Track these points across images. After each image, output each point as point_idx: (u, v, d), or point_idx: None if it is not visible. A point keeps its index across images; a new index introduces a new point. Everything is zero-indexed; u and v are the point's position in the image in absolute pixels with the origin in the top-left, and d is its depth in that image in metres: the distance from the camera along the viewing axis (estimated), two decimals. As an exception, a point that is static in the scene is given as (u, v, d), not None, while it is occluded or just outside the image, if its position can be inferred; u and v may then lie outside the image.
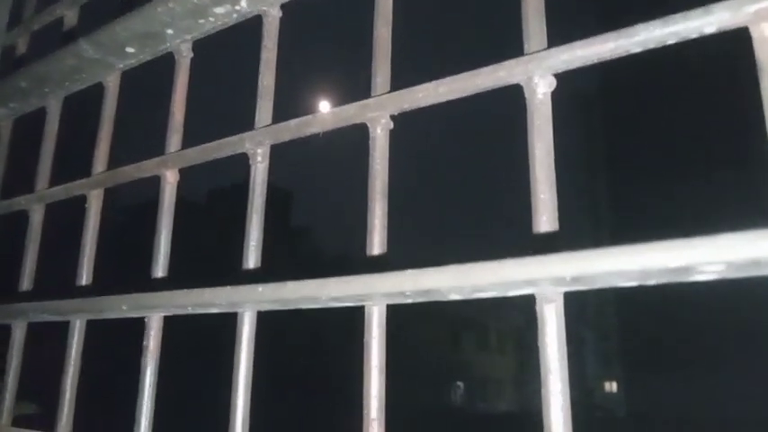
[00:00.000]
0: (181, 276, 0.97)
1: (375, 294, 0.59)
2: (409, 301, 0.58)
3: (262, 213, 0.89)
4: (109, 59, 0.93)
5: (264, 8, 0.83)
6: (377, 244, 0.73)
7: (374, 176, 0.77)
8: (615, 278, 0.44)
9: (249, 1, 0.80)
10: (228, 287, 0.72)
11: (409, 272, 0.54)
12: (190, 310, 0.78)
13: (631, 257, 0.41)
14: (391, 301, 0.62)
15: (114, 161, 1.13)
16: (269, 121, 0.90)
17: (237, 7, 0.80)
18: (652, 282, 0.42)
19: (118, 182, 1.09)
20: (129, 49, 0.90)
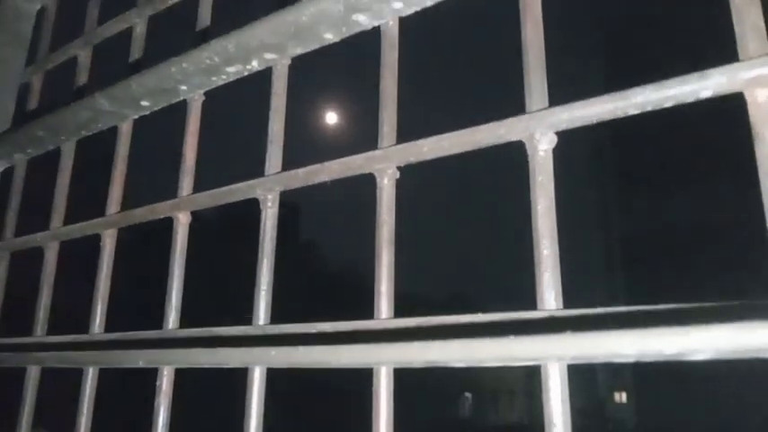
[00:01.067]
0: (193, 310, 0.99)
1: (383, 360, 0.61)
2: (416, 366, 0.60)
3: (272, 257, 0.91)
4: (123, 111, 0.95)
5: (275, 65, 0.85)
6: (385, 302, 0.74)
7: (381, 225, 0.79)
8: (615, 357, 0.45)
9: (260, 61, 0.83)
10: (242, 349, 0.74)
11: (416, 344, 0.56)
12: (204, 365, 0.80)
13: (630, 340, 0.43)
14: (398, 366, 0.64)
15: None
16: (279, 167, 0.93)
17: (249, 66, 0.83)
18: (649, 360, 0.44)
19: (131, 222, 1.11)
20: (144, 103, 0.92)
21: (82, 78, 1.32)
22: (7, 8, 1.31)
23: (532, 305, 0.65)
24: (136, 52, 1.21)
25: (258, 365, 0.76)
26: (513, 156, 0.77)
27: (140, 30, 1.23)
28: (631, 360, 0.45)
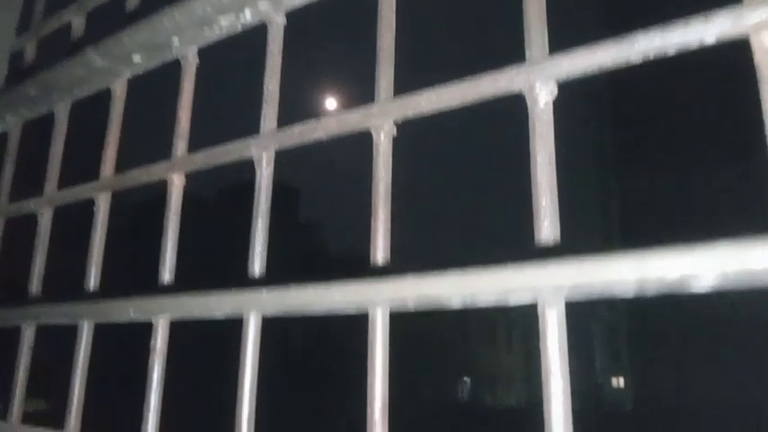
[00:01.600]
0: (188, 279, 0.98)
1: (377, 300, 0.60)
2: (411, 308, 0.58)
3: (267, 218, 0.90)
4: (116, 68, 0.93)
5: (269, 17, 0.83)
6: (380, 250, 0.73)
7: (378, 182, 0.78)
8: (614, 287, 0.44)
9: (253, 11, 0.81)
10: (233, 292, 0.72)
11: (410, 277, 0.54)
12: (196, 315, 0.79)
13: (629, 265, 0.42)
14: (394, 308, 0.63)
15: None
16: (274, 126, 0.91)
17: (242, 18, 0.81)
18: (651, 291, 0.43)
19: (125, 185, 1.09)
20: (136, 58, 0.91)
21: (77, 45, 1.30)
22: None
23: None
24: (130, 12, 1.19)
25: (251, 309, 0.74)
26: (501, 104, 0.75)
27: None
28: (631, 293, 0.44)
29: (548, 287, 0.49)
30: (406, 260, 0.64)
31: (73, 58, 0.94)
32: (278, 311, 0.72)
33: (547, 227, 0.62)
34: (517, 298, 0.52)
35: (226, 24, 0.82)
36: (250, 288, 0.72)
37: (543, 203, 0.64)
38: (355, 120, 0.81)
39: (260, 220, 0.89)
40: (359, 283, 0.62)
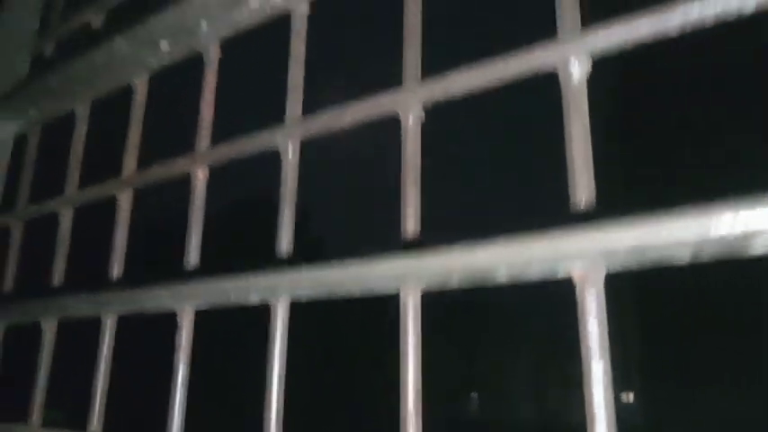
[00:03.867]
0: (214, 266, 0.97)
1: (416, 274, 0.59)
2: (454, 284, 0.57)
3: (293, 208, 0.89)
4: (141, 56, 0.93)
5: (294, 3, 0.83)
6: (411, 232, 0.72)
7: (406, 166, 0.77)
8: (673, 248, 0.43)
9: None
10: (266, 272, 0.71)
11: (448, 249, 0.53)
12: (230, 298, 0.78)
13: (685, 225, 0.40)
14: (434, 284, 0.62)
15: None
16: (299, 114, 0.90)
17: (271, 1, 0.80)
18: (706, 255, 0.41)
19: (147, 182, 1.09)
20: (163, 45, 0.90)
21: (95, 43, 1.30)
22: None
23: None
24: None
25: (283, 290, 0.73)
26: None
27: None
28: (688, 253, 0.43)
29: (598, 251, 0.48)
30: (441, 235, 0.63)
31: (98, 46, 0.94)
32: (311, 292, 0.71)
33: (584, 201, 0.61)
34: (566, 267, 0.51)
35: (255, 8, 0.82)
36: (284, 268, 0.71)
37: (580, 180, 0.63)
38: (382, 104, 0.81)
39: (287, 210, 0.88)
40: (396, 258, 0.61)
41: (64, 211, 1.23)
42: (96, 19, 1.32)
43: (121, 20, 1.12)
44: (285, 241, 0.82)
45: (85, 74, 1.00)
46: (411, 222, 0.73)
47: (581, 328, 0.56)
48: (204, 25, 0.86)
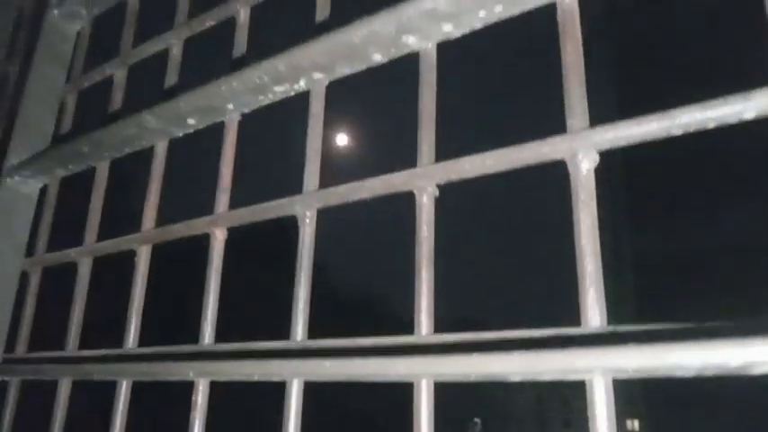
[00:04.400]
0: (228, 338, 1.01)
1: (425, 373, 0.62)
2: (458, 379, 0.61)
3: (310, 274, 0.93)
4: (169, 129, 0.98)
5: (319, 85, 0.88)
6: (425, 314, 0.76)
7: (421, 243, 0.81)
8: (676, 371, 0.46)
9: (308, 80, 0.85)
10: (283, 361, 0.75)
11: (476, 356, 0.57)
12: (241, 378, 0.82)
13: (690, 353, 0.44)
14: (440, 378, 0.65)
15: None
16: (316, 184, 0.94)
17: (296, 86, 0.85)
18: (710, 374, 0.45)
19: (167, 238, 1.13)
20: (190, 121, 0.95)
21: (117, 97, 1.35)
22: (49, 28, 1.35)
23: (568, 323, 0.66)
24: (172, 74, 1.24)
25: (297, 378, 0.77)
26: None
27: (176, 51, 1.26)
28: (691, 373, 0.46)
29: (609, 369, 0.52)
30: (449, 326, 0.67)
31: (128, 119, 0.98)
32: (328, 377, 0.74)
33: (592, 296, 0.65)
34: (573, 377, 0.55)
35: (280, 91, 0.86)
36: (299, 358, 0.75)
37: (588, 268, 0.67)
38: (399, 181, 0.85)
39: (303, 277, 0.92)
40: (409, 358, 0.64)
41: (83, 260, 1.27)
42: (119, 73, 1.37)
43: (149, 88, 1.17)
44: (301, 323, 0.86)
45: (112, 141, 1.04)
46: (424, 303, 0.76)
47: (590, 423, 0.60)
48: (231, 106, 0.91)
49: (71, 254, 1.29)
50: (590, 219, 0.69)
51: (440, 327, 0.77)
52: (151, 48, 1.32)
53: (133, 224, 1.20)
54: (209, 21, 1.22)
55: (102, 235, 1.27)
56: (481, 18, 0.71)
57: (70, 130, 1.30)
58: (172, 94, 0.93)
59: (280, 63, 0.81)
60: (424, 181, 0.82)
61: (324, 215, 0.94)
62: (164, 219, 1.15)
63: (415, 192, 0.83)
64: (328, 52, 0.79)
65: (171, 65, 1.25)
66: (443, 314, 0.84)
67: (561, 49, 0.76)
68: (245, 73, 0.82)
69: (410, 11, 0.71)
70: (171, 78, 1.24)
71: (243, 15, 1.15)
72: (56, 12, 1.34)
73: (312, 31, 0.81)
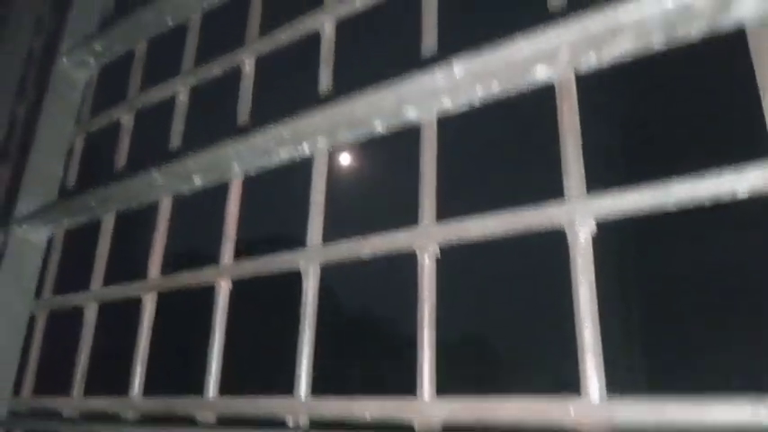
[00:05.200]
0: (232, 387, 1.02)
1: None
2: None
3: (313, 329, 0.94)
4: (175, 186, 1.00)
5: (321, 150, 0.90)
6: (426, 376, 0.77)
7: (422, 303, 0.82)
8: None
9: (311, 144, 0.87)
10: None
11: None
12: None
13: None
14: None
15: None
16: (319, 239, 0.96)
17: (300, 148, 0.87)
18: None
19: (172, 287, 1.14)
20: (196, 179, 0.97)
21: (124, 142, 1.37)
22: (57, 75, 1.38)
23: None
24: (179, 121, 1.27)
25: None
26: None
27: (183, 98, 1.29)
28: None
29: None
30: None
31: (136, 177, 1.01)
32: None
33: (590, 363, 0.66)
34: None
35: (284, 153, 0.89)
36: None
37: (587, 337, 0.68)
38: (401, 240, 0.86)
39: (307, 332, 0.93)
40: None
41: (89, 305, 1.29)
42: (126, 117, 1.40)
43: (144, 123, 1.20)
44: (304, 379, 0.87)
45: (119, 197, 1.07)
46: (426, 366, 0.78)
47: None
48: (236, 166, 0.93)
49: (77, 299, 1.31)
50: (589, 286, 0.71)
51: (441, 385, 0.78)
52: (158, 94, 1.34)
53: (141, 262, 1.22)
54: (215, 69, 1.25)
55: (114, 265, 1.29)
56: (479, 95, 0.73)
57: (78, 179, 1.33)
58: (179, 153, 0.95)
59: (285, 130, 0.84)
60: (425, 241, 0.84)
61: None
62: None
63: (417, 251, 0.85)
64: (331, 121, 0.82)
65: (177, 111, 1.28)
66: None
67: (558, 114, 0.77)
68: (251, 137, 0.85)
69: (410, 86, 0.73)
70: (177, 125, 1.27)
71: (248, 66, 1.18)
72: (65, 60, 1.37)
73: (316, 101, 0.84)
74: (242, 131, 0.89)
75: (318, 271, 0.96)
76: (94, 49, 1.37)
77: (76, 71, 1.40)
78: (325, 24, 1.06)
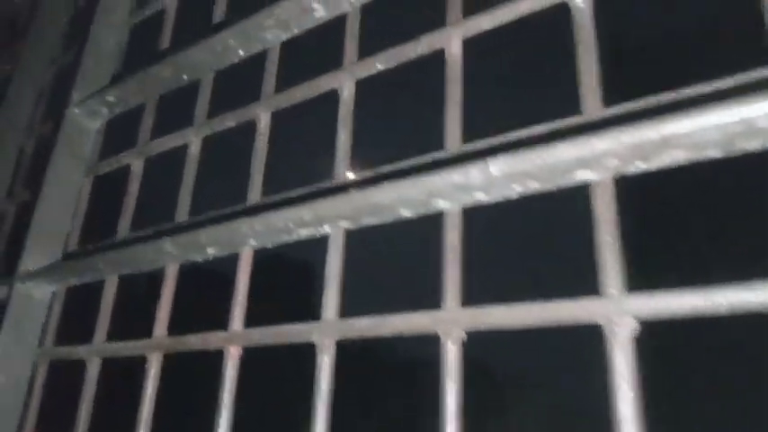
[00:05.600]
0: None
1: None
2: None
3: (328, 404, 0.90)
4: (186, 255, 0.97)
5: (338, 228, 0.86)
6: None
7: (445, 394, 0.78)
8: None
9: (333, 227, 0.84)
10: None
11: None
12: None
13: None
14: None
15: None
16: (336, 313, 0.92)
17: (321, 229, 0.84)
18: None
19: (180, 349, 1.10)
20: (210, 250, 0.94)
21: (134, 186, 1.34)
22: (69, 125, 1.35)
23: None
24: (190, 169, 1.24)
25: None
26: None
27: (195, 149, 1.26)
28: None
29: None
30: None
31: (148, 245, 0.98)
32: None
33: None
34: None
35: (304, 234, 0.85)
36: None
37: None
38: (423, 323, 0.82)
39: (320, 406, 0.89)
40: None
41: (92, 359, 1.25)
42: (137, 163, 1.37)
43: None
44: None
45: (127, 261, 1.03)
46: (451, 464, 0.73)
47: None
48: (252, 242, 0.90)
49: (80, 351, 1.26)
50: (630, 385, 0.67)
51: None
52: (170, 142, 1.32)
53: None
54: (228, 121, 1.22)
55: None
56: (516, 191, 0.69)
57: (84, 226, 1.30)
58: (193, 225, 0.92)
59: (305, 212, 0.80)
60: (451, 326, 0.80)
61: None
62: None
63: (440, 335, 0.81)
64: (356, 207, 0.78)
65: (189, 160, 1.25)
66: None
67: (594, 208, 0.73)
68: (270, 217, 0.81)
69: (442, 180, 0.69)
70: (189, 172, 1.24)
71: (264, 121, 1.16)
72: (76, 110, 1.35)
73: (340, 185, 0.80)
74: (260, 209, 0.86)
75: (334, 347, 0.92)
76: (107, 99, 1.34)
77: (88, 120, 1.37)
78: (344, 85, 1.05)
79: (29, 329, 1.23)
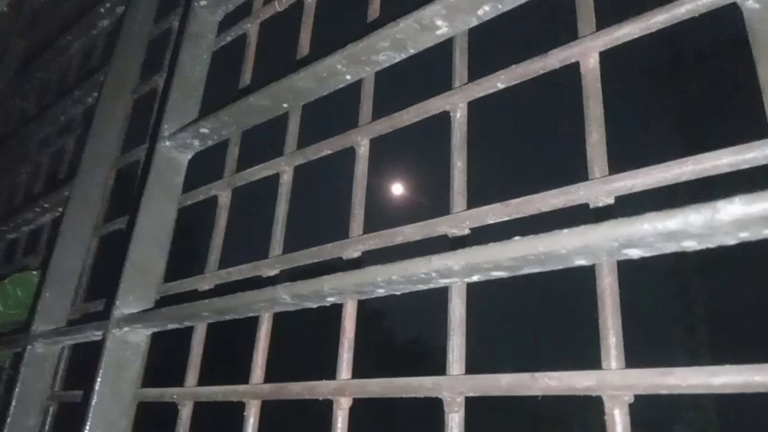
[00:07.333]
0: None
1: None
2: None
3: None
4: (303, 305, 1.00)
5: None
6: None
7: None
8: None
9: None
10: None
11: None
12: None
13: None
14: None
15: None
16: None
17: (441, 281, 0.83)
18: None
19: (281, 397, 1.08)
20: (329, 299, 0.97)
21: (222, 218, 1.37)
22: (160, 159, 1.42)
23: None
24: (282, 199, 1.27)
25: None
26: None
27: (287, 177, 1.28)
28: None
29: None
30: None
31: (259, 292, 1.03)
32: None
33: None
34: None
35: (443, 282, 0.84)
36: None
37: None
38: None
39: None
40: None
41: (185, 402, 1.28)
42: (224, 194, 1.41)
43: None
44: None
45: (228, 309, 1.07)
46: None
47: None
48: (379, 291, 0.90)
49: (172, 394, 1.30)
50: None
51: None
52: (260, 172, 1.34)
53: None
54: (324, 149, 1.23)
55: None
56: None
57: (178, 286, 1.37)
58: (309, 272, 0.94)
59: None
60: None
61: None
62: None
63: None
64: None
65: (281, 191, 1.27)
66: None
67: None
68: (407, 266, 0.80)
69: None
70: (281, 205, 1.24)
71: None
72: (168, 143, 1.41)
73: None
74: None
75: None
76: (201, 131, 1.39)
77: (178, 153, 1.43)
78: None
79: (127, 374, 1.30)
